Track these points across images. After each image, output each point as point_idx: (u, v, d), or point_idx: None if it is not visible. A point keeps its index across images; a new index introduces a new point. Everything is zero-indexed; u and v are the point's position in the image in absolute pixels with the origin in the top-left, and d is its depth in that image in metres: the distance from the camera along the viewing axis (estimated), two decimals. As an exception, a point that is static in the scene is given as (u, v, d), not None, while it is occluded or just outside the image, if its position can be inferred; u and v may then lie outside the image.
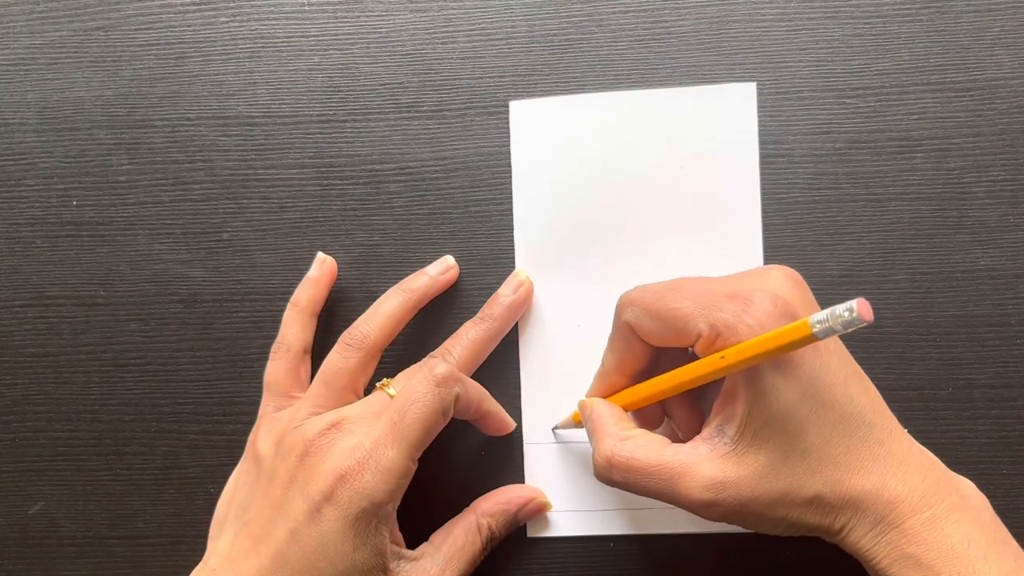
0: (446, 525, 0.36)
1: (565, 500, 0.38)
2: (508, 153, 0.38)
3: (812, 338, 0.25)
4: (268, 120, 0.39)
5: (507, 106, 0.38)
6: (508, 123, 0.38)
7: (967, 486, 0.30)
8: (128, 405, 0.40)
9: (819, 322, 0.25)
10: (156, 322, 0.39)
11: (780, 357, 0.27)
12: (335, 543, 0.30)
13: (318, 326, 0.37)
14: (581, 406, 0.34)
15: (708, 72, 0.37)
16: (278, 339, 0.36)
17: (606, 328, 0.37)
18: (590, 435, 0.32)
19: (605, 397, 0.33)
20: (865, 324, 0.24)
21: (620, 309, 0.31)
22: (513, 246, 0.38)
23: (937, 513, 0.27)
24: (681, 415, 0.33)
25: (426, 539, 0.35)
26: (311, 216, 0.39)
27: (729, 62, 0.37)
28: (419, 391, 0.32)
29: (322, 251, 0.39)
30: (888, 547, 0.28)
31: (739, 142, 0.37)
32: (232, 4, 0.39)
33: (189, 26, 0.39)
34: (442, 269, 0.37)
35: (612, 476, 0.30)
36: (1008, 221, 0.36)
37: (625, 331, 0.31)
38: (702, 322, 0.28)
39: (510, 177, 0.38)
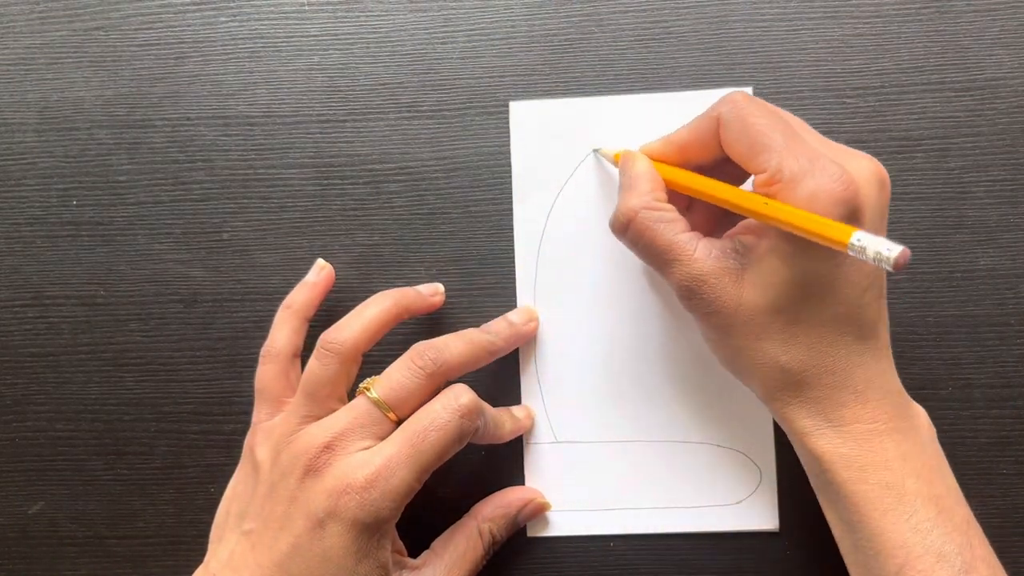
0: (447, 532, 0.36)
1: (565, 500, 0.38)
2: (508, 153, 0.38)
3: (843, 247, 0.25)
4: (268, 120, 0.39)
5: (507, 106, 0.38)
6: (508, 123, 0.38)
7: (920, 415, 0.31)
8: (128, 405, 0.40)
9: (859, 240, 0.25)
10: (156, 322, 0.39)
11: (809, 237, 0.27)
12: (338, 557, 0.30)
13: (314, 327, 0.37)
14: (627, 154, 0.34)
15: (708, 72, 0.37)
16: (268, 343, 0.36)
17: (606, 328, 0.38)
18: (622, 185, 0.33)
19: (654, 161, 0.33)
20: (890, 270, 0.24)
21: (721, 101, 0.31)
22: (513, 246, 0.38)
23: (880, 428, 0.29)
24: (700, 218, 0.34)
25: (427, 543, 0.35)
26: (311, 216, 0.39)
27: (728, 62, 0.37)
28: (442, 418, 0.31)
29: (322, 251, 0.39)
30: (824, 441, 0.30)
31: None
32: (232, 4, 0.39)
33: (189, 26, 0.39)
34: (432, 291, 0.37)
35: (626, 232, 0.32)
36: (1008, 221, 0.36)
37: (711, 122, 0.31)
38: (775, 160, 0.28)
39: (510, 177, 0.38)
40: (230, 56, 0.39)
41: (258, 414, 0.35)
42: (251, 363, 0.37)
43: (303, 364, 0.36)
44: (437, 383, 0.33)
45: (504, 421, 0.36)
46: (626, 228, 0.32)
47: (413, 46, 0.39)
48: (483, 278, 0.38)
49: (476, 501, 0.37)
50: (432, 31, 0.38)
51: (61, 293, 0.40)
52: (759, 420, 0.37)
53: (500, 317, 0.37)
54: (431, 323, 0.38)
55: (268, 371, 0.36)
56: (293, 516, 0.31)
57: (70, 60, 0.40)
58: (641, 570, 0.37)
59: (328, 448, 0.31)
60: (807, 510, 0.37)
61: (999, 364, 0.36)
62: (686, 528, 0.37)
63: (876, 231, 0.29)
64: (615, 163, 0.35)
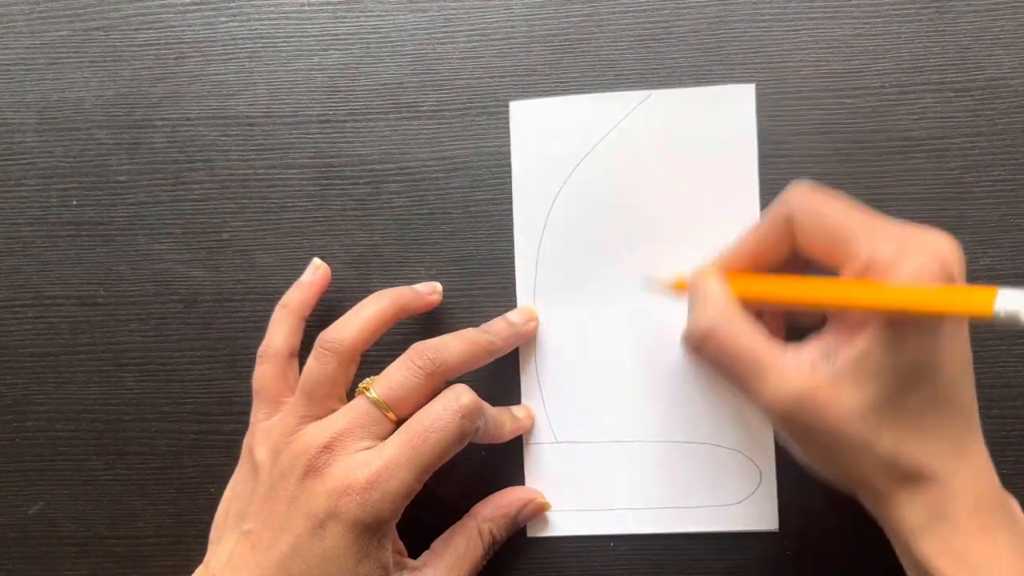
0: (447, 532, 0.36)
1: (565, 500, 0.38)
2: (508, 153, 0.38)
3: (988, 316, 0.23)
4: (268, 120, 0.39)
5: (507, 106, 0.38)
6: (508, 123, 0.38)
7: (1016, 505, 0.29)
8: (128, 405, 0.40)
9: (1008, 299, 0.22)
10: (156, 322, 0.39)
11: (940, 315, 0.26)
12: (338, 557, 0.30)
13: (312, 327, 0.37)
14: (696, 276, 0.32)
15: (708, 72, 0.37)
16: (265, 342, 0.36)
17: (606, 327, 0.37)
18: (692, 301, 0.31)
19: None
20: None
21: (789, 195, 0.30)
22: (513, 246, 0.38)
23: (991, 522, 0.27)
24: (769, 324, 0.32)
25: (427, 544, 0.35)
26: (311, 216, 0.39)
27: (729, 62, 0.37)
28: (443, 419, 0.31)
29: (322, 251, 0.39)
30: (937, 537, 0.27)
31: (739, 142, 0.37)
32: (232, 4, 0.39)
33: (189, 26, 0.39)
34: (429, 290, 0.37)
35: (704, 347, 0.30)
36: (1008, 221, 0.36)
37: (782, 218, 0.30)
38: (866, 247, 0.27)
39: (510, 177, 0.38)
40: (230, 56, 0.39)
41: (256, 414, 0.35)
42: (251, 363, 0.37)
43: (301, 364, 0.37)
44: (436, 383, 0.33)
45: (504, 421, 0.36)
46: (703, 342, 0.30)
47: (413, 46, 0.39)
48: (483, 278, 0.38)
49: (476, 501, 0.37)
50: (432, 31, 0.38)
51: (61, 293, 0.40)
52: (759, 420, 0.37)
53: (500, 317, 0.37)
54: (430, 323, 0.38)
55: (266, 371, 0.36)
56: (293, 516, 0.31)
57: (70, 60, 0.40)
58: (641, 570, 0.37)
59: (328, 448, 0.31)
60: (807, 510, 0.37)
61: (999, 364, 0.36)
62: (686, 528, 0.37)
63: None
64: (671, 292, 0.34)
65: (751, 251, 0.32)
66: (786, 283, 0.29)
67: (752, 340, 0.29)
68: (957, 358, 0.28)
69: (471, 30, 0.38)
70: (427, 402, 0.32)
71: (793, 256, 0.31)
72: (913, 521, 0.28)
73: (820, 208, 0.29)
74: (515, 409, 0.37)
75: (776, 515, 0.37)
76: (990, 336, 0.36)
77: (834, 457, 0.28)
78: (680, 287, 0.34)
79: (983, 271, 0.36)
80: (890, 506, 0.28)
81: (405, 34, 0.39)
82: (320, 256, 0.38)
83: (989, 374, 0.36)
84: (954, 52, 0.37)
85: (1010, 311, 0.22)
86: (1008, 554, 0.27)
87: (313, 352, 0.34)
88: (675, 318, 0.37)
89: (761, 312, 0.33)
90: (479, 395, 0.33)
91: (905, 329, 0.27)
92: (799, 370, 0.28)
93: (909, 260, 0.26)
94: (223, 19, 0.39)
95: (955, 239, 0.28)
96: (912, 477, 0.28)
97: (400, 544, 0.35)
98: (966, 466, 0.28)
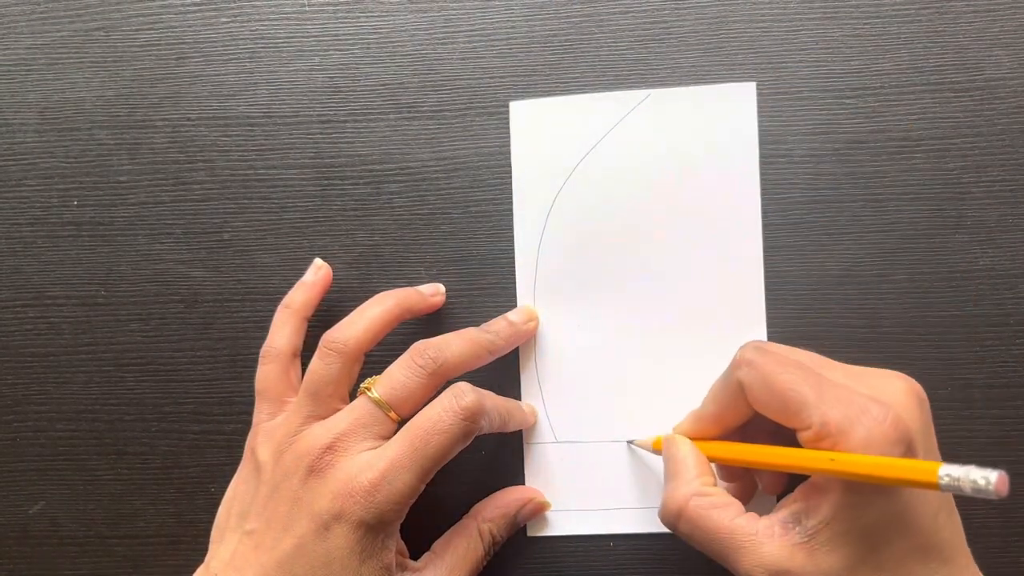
0: (447, 533, 0.36)
1: (565, 500, 0.38)
2: (508, 153, 0.38)
3: (934, 486, 0.24)
4: (268, 120, 0.39)
5: (507, 106, 0.38)
6: (508, 123, 0.38)
7: None
8: (129, 405, 0.40)
9: (948, 475, 0.24)
10: (157, 322, 0.39)
11: (891, 484, 0.26)
12: (342, 558, 0.30)
13: (314, 327, 0.37)
14: (668, 441, 0.33)
15: (708, 72, 0.37)
16: (267, 343, 0.36)
17: (606, 328, 0.38)
18: (667, 474, 0.32)
19: (694, 439, 0.33)
20: (996, 498, 0.23)
21: (736, 364, 0.30)
22: (513, 246, 0.38)
23: None
24: (768, 475, 0.33)
25: (427, 544, 0.35)
26: (311, 216, 0.39)
27: (729, 62, 0.37)
28: (445, 421, 0.31)
29: (322, 251, 0.39)
30: None
31: (739, 142, 0.37)
32: (233, 5, 0.39)
33: (190, 26, 0.39)
34: (432, 291, 0.37)
35: (678, 525, 0.30)
36: (1007, 221, 0.36)
37: (734, 388, 0.30)
38: (816, 415, 0.27)
39: (510, 177, 0.38)
40: (231, 57, 0.39)
41: (259, 414, 0.35)
42: (252, 363, 0.37)
43: (303, 364, 0.37)
44: (438, 382, 0.33)
45: (511, 410, 0.35)
46: (677, 520, 0.30)
47: (413, 47, 0.39)
48: (483, 278, 0.38)
49: (476, 501, 0.37)
50: (432, 32, 0.38)
51: (62, 293, 0.40)
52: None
53: (500, 316, 0.37)
54: (431, 323, 0.38)
55: (269, 371, 0.36)
56: (296, 517, 0.31)
57: (71, 60, 0.40)
58: (641, 570, 0.37)
59: (331, 449, 0.31)
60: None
61: (999, 364, 0.36)
62: (686, 528, 0.37)
63: (928, 452, 0.28)
64: (653, 450, 0.35)
65: (712, 416, 0.32)
66: (746, 450, 0.31)
67: (723, 515, 0.29)
68: (927, 508, 0.28)
69: (471, 30, 0.38)
70: (429, 401, 0.32)
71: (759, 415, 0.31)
72: None
73: (768, 375, 0.29)
74: (520, 404, 0.37)
75: (776, 515, 0.37)
76: (990, 336, 0.36)
77: None
78: (657, 446, 0.34)
79: (983, 271, 0.36)
80: None
81: (405, 34, 0.39)
82: (320, 256, 0.38)
83: (989, 374, 0.36)
84: (954, 52, 0.37)
85: (952, 483, 0.24)
86: None
87: (317, 352, 0.34)
88: (675, 318, 0.37)
89: (733, 474, 0.34)
90: (480, 394, 0.33)
91: (865, 492, 0.27)
92: (771, 540, 0.28)
93: (860, 426, 0.26)
94: (223, 20, 0.39)
95: (916, 384, 0.29)
96: None
97: (402, 545, 0.35)
98: None
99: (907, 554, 0.27)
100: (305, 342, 0.37)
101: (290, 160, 0.39)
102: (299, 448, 0.32)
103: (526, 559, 0.38)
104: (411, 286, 0.38)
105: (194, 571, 0.33)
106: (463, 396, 0.32)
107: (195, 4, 0.39)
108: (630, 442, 0.37)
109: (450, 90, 0.38)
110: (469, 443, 0.32)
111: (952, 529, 0.28)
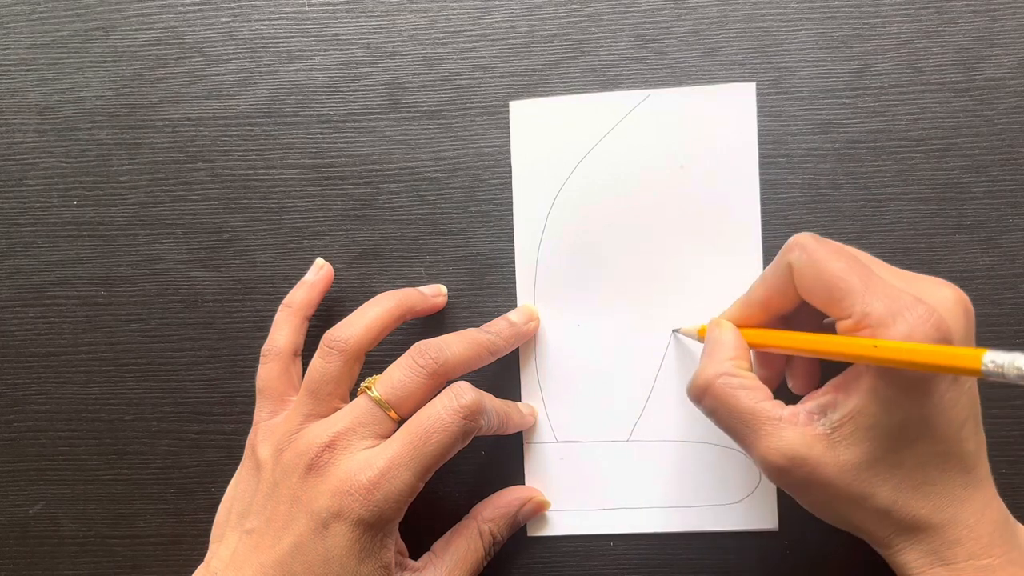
0: (447, 534, 0.36)
1: (565, 499, 0.38)
2: (508, 153, 0.38)
3: (977, 373, 0.24)
4: (268, 120, 0.39)
5: (507, 106, 0.38)
6: (508, 123, 0.38)
7: None
8: (129, 405, 0.40)
9: (993, 362, 0.23)
10: (157, 322, 0.39)
11: (932, 373, 0.26)
12: (341, 557, 0.30)
13: (314, 326, 0.37)
14: (712, 324, 0.33)
15: (708, 72, 0.37)
16: (268, 342, 0.36)
17: (606, 327, 0.38)
18: (704, 354, 0.32)
19: (739, 326, 0.32)
20: None
21: (789, 248, 0.30)
22: (513, 246, 0.38)
23: (992, 564, 0.28)
24: (802, 372, 0.33)
25: (427, 544, 0.35)
26: (311, 216, 0.39)
27: (729, 62, 0.37)
28: (444, 420, 0.31)
29: (322, 251, 0.39)
30: None
31: (739, 142, 0.37)
32: (233, 4, 0.39)
33: (190, 26, 0.39)
34: (434, 292, 0.37)
35: (703, 399, 0.31)
36: (1007, 221, 0.36)
37: (784, 271, 0.30)
38: (859, 305, 0.27)
39: (510, 177, 0.38)
40: (231, 56, 0.39)
41: (259, 413, 0.35)
42: (252, 363, 0.37)
43: (304, 364, 0.37)
44: (438, 382, 0.33)
45: (510, 413, 0.36)
46: (703, 395, 0.31)
47: (414, 46, 0.39)
48: (483, 278, 0.38)
49: (476, 501, 0.37)
50: (432, 31, 0.38)
51: (62, 293, 0.40)
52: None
53: (500, 317, 0.37)
54: (431, 323, 0.38)
55: (269, 370, 0.36)
56: (296, 515, 0.31)
57: (71, 60, 0.40)
58: (641, 570, 0.37)
59: (330, 447, 0.31)
60: (807, 510, 0.37)
61: (999, 364, 0.36)
62: (686, 528, 0.37)
63: None
64: (698, 338, 0.35)
65: (760, 300, 0.32)
66: (789, 337, 0.30)
67: (749, 396, 0.30)
68: (955, 415, 0.28)
69: (471, 30, 0.38)
70: (428, 401, 0.32)
71: (804, 304, 0.31)
72: (911, 564, 0.28)
73: (819, 260, 0.29)
74: (519, 405, 0.37)
75: (776, 514, 0.37)
76: (989, 336, 0.36)
77: (831, 508, 0.29)
78: (702, 334, 0.34)
79: (982, 271, 0.36)
80: (890, 550, 0.29)
81: (405, 34, 0.39)
82: (320, 256, 0.38)
83: (989, 374, 0.36)
84: (954, 52, 0.37)
85: (996, 369, 0.23)
86: None
87: (318, 351, 0.34)
88: (675, 318, 0.37)
89: (793, 359, 0.34)
90: (479, 395, 0.33)
91: (897, 388, 0.27)
92: (794, 427, 0.28)
93: (902, 321, 0.26)
94: (224, 19, 0.39)
95: (965, 295, 0.28)
96: (910, 527, 0.28)
97: (402, 544, 0.35)
98: (968, 513, 0.28)
99: (928, 458, 0.28)
100: (306, 341, 0.37)
101: (290, 160, 0.39)
102: (299, 446, 0.32)
103: (526, 559, 0.38)
104: (411, 286, 0.38)
105: (194, 571, 0.33)
106: (463, 395, 0.32)
107: (195, 4, 0.39)
108: (675, 330, 0.37)
109: (450, 90, 0.38)
110: (468, 443, 0.32)
111: (976, 443, 0.29)
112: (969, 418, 0.28)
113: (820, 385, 0.30)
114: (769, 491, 0.37)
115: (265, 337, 0.36)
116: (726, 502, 0.37)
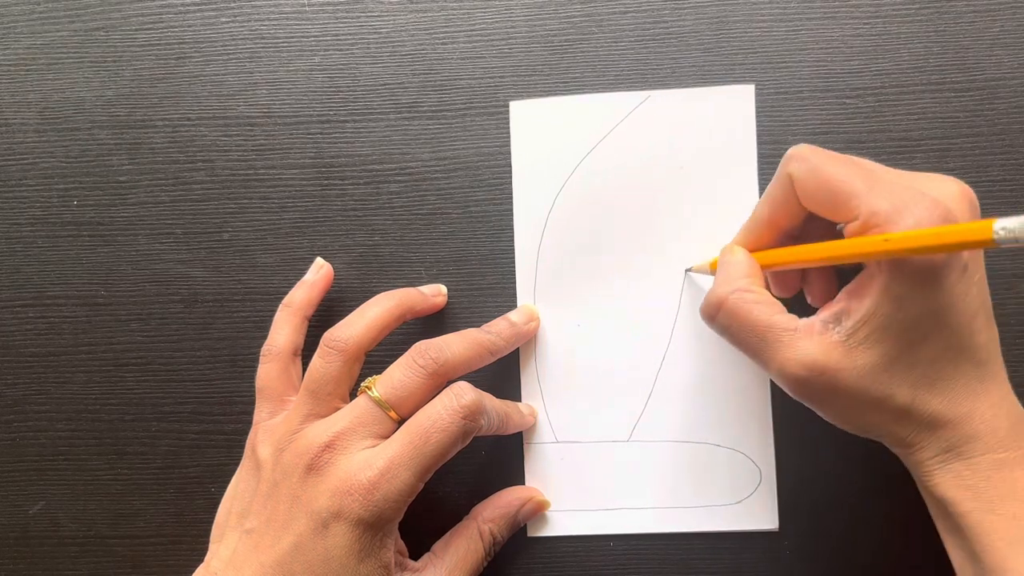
0: (447, 534, 0.36)
1: (565, 500, 0.38)
2: (508, 153, 0.38)
3: (990, 243, 0.24)
4: (268, 120, 0.39)
5: (507, 106, 0.38)
6: (508, 123, 0.38)
7: None
8: (129, 405, 0.40)
9: (1004, 228, 0.23)
10: (157, 322, 0.39)
11: (948, 252, 0.26)
12: (340, 556, 0.30)
13: (314, 326, 0.37)
14: (724, 250, 0.33)
15: (708, 72, 0.37)
16: (268, 342, 0.36)
17: (606, 327, 0.38)
18: (717, 277, 0.32)
19: (750, 250, 0.32)
20: None
21: (787, 160, 0.30)
22: (513, 246, 0.38)
23: (1009, 458, 0.28)
24: (819, 285, 0.33)
25: (427, 544, 0.35)
26: (311, 216, 0.39)
27: (729, 63, 0.37)
28: (444, 420, 0.31)
29: (322, 251, 0.39)
30: (951, 475, 0.28)
31: (738, 143, 0.37)
32: (233, 4, 0.39)
33: (190, 26, 0.39)
34: (434, 292, 0.37)
35: (717, 316, 0.31)
36: (1008, 221, 0.36)
37: (785, 184, 0.30)
38: (865, 205, 0.27)
39: (510, 177, 0.38)
40: (231, 57, 0.39)
41: (259, 413, 0.35)
42: (252, 363, 0.37)
43: (304, 364, 0.37)
44: (438, 382, 0.33)
45: (510, 413, 0.36)
46: (716, 311, 0.31)
47: (413, 46, 0.39)
48: (483, 278, 0.38)
49: (476, 501, 0.37)
50: (432, 31, 0.38)
51: (62, 293, 0.40)
52: (759, 420, 0.37)
53: (501, 317, 0.37)
54: (431, 323, 0.38)
55: (269, 370, 0.36)
56: (296, 515, 0.31)
57: (71, 60, 0.40)
58: (641, 570, 0.37)
59: (330, 447, 0.31)
60: (807, 510, 0.37)
61: (999, 364, 0.36)
62: (686, 528, 0.37)
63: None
64: (711, 272, 0.35)
65: (766, 217, 0.32)
66: (800, 251, 0.30)
67: (764, 310, 0.30)
68: (966, 306, 0.28)
69: (471, 30, 0.38)
70: (429, 401, 0.32)
71: (811, 217, 0.31)
72: (930, 461, 0.29)
73: (819, 166, 0.29)
74: (519, 405, 0.37)
75: (776, 515, 0.37)
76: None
77: (852, 414, 0.29)
78: (714, 267, 0.34)
79: (983, 271, 0.36)
80: (910, 450, 0.29)
81: (405, 34, 0.39)
82: (320, 256, 0.38)
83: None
84: (954, 52, 0.37)
85: (1009, 235, 0.23)
86: None
87: (318, 350, 0.34)
88: (675, 317, 0.37)
89: (809, 276, 0.34)
90: (479, 395, 0.33)
91: (909, 284, 0.27)
92: (810, 337, 0.29)
93: (908, 215, 0.26)
94: (223, 19, 0.39)
95: (969, 188, 0.28)
96: (929, 424, 0.28)
97: (402, 544, 0.35)
98: (984, 407, 0.28)
99: (941, 353, 0.28)
100: (306, 341, 0.37)
101: (290, 160, 0.39)
102: (299, 446, 0.32)
103: (526, 559, 0.38)
104: (411, 286, 0.38)
105: (194, 571, 0.33)
106: (463, 395, 0.32)
107: (195, 4, 0.39)
108: (688, 270, 0.37)
109: (450, 90, 0.38)
110: (468, 443, 0.32)
111: (989, 336, 0.29)
112: (980, 311, 0.29)
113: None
114: (769, 491, 0.37)
115: (265, 337, 0.36)
116: (726, 502, 0.37)
